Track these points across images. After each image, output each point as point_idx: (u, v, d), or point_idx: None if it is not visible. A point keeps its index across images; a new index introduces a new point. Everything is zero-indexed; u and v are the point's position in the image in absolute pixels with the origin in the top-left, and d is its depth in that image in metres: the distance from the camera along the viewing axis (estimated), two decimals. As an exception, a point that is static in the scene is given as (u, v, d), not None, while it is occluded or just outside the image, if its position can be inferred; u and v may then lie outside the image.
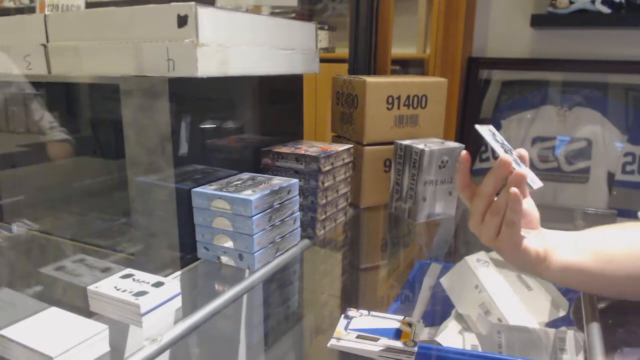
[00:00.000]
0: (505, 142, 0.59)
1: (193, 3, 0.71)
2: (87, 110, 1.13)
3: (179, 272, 0.83)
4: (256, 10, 0.98)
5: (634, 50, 1.43)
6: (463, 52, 1.53)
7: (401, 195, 1.05)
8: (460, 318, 0.75)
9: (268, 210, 0.81)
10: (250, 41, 0.84)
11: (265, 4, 0.99)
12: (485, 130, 0.58)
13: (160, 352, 0.58)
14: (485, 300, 0.71)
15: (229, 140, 0.96)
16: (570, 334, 0.65)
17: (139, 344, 0.59)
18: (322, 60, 1.09)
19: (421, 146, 0.97)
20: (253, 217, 0.77)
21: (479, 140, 1.59)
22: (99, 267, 0.84)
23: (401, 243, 1.21)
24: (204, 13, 0.72)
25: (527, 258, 0.57)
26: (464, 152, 0.57)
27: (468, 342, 0.70)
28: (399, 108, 1.11)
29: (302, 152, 0.92)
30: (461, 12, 1.48)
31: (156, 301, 0.66)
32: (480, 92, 1.61)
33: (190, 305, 0.71)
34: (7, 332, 0.58)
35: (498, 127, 1.57)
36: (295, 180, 0.88)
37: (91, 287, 0.68)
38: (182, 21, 0.71)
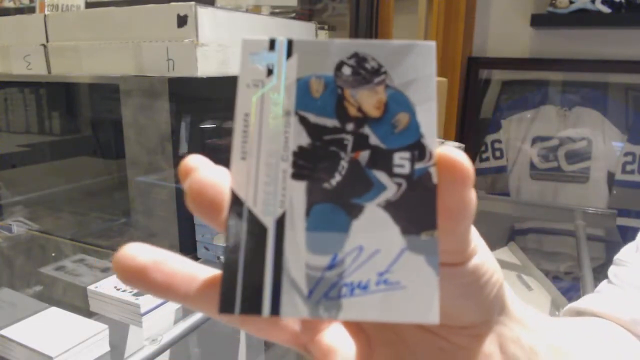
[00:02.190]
0: None
1: (193, 3, 0.71)
2: (87, 110, 1.13)
3: (179, 272, 0.82)
4: (256, 10, 0.98)
5: (634, 50, 1.43)
6: (463, 52, 1.52)
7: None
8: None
9: (268, 210, 0.81)
10: (250, 41, 0.84)
11: (265, 4, 0.99)
12: None
13: (160, 352, 0.58)
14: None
15: (229, 140, 0.96)
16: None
17: (139, 344, 0.59)
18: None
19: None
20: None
21: (479, 140, 1.59)
22: (99, 267, 0.84)
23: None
24: (204, 13, 0.72)
25: None
26: None
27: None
28: (399, 108, 1.11)
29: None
30: (461, 12, 1.48)
31: (156, 301, 0.66)
32: (480, 92, 1.61)
33: (190, 305, 0.71)
34: (7, 332, 0.58)
35: (498, 127, 1.57)
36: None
37: (91, 287, 0.68)
38: (182, 21, 0.71)
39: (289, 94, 0.17)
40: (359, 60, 0.17)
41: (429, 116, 0.17)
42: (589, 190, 1.46)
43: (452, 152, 0.16)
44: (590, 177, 1.47)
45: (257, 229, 0.16)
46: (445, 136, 1.11)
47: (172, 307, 0.69)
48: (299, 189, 0.17)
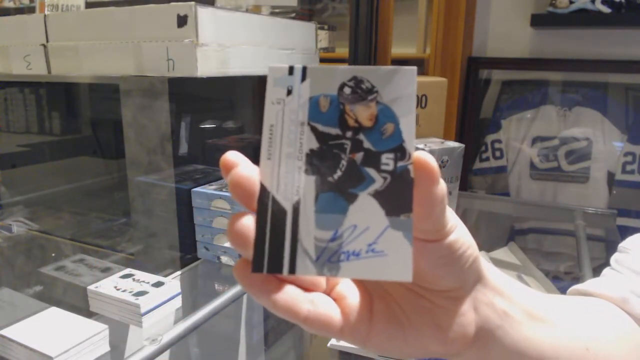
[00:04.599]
0: None
1: (193, 3, 0.71)
2: (87, 110, 1.13)
3: (179, 272, 0.83)
4: (256, 10, 0.98)
5: (634, 50, 1.43)
6: (463, 52, 1.52)
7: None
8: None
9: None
10: (250, 41, 0.84)
11: (265, 4, 0.99)
12: None
13: (160, 352, 0.58)
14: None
15: (229, 140, 0.96)
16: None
17: (139, 344, 0.59)
18: (322, 60, 1.09)
19: (421, 146, 0.97)
20: (253, 217, 0.77)
21: (479, 140, 1.59)
22: (99, 267, 0.84)
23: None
24: (204, 13, 0.72)
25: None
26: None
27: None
28: (399, 108, 1.11)
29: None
30: (461, 12, 1.48)
31: (156, 301, 0.66)
32: (480, 92, 1.61)
33: (190, 305, 0.71)
34: (7, 332, 0.58)
35: (498, 127, 1.57)
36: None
37: (91, 287, 0.68)
38: (182, 21, 0.71)
39: (303, 109, 0.22)
40: (357, 82, 0.22)
41: (409, 126, 0.21)
42: (589, 190, 1.46)
43: (425, 155, 0.21)
44: (590, 177, 1.46)
45: (279, 211, 0.21)
46: (445, 136, 1.11)
47: (172, 307, 0.69)
48: (310, 181, 0.22)
